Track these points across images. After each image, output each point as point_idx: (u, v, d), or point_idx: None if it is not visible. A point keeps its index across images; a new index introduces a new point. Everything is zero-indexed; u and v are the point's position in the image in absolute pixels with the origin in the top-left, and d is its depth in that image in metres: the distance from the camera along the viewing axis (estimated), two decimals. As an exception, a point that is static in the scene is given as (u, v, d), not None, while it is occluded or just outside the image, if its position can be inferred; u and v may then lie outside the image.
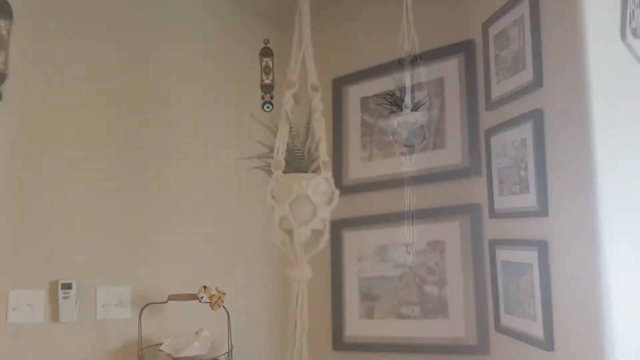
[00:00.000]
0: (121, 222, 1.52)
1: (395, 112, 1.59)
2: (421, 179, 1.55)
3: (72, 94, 1.39)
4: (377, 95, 1.64)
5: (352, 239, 1.64)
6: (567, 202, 1.16)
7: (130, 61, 1.52)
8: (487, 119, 1.43)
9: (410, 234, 1.52)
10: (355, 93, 1.72)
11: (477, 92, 1.50)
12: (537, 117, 1.22)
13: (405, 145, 1.56)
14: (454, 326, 1.44)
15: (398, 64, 1.54)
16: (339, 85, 1.77)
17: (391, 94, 1.60)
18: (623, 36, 1.30)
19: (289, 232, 1.25)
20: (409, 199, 1.46)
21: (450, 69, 1.56)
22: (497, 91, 1.37)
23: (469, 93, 1.51)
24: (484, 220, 1.43)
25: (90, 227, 1.46)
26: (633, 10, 1.59)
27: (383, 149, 1.65)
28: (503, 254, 1.33)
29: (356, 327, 1.61)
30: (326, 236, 1.25)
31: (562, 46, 1.22)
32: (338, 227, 1.66)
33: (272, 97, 1.88)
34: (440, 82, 1.57)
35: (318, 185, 1.24)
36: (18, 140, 1.28)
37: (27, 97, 1.29)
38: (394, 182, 1.60)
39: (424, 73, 1.54)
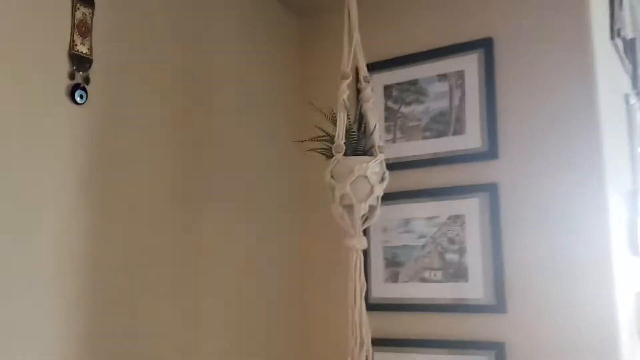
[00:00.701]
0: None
1: (329, 157, 1.42)
2: (443, 160, 1.77)
3: (148, 79, 1.50)
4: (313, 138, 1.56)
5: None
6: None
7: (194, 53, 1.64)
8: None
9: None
10: (378, 80, 1.89)
11: (494, 84, 1.72)
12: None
13: (343, 205, 1.40)
14: (473, 288, 1.68)
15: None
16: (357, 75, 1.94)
17: (327, 133, 1.46)
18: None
19: (349, 207, 1.43)
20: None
21: (470, 62, 1.76)
22: None
23: (488, 85, 1.73)
24: (500, 195, 1.67)
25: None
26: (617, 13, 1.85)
27: (406, 132, 1.84)
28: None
29: (381, 290, 1.82)
30: (378, 211, 1.45)
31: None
32: (363, 201, 1.85)
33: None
34: (461, 74, 1.78)
35: (374, 167, 1.43)
36: (107, 119, 1.39)
37: (111, 81, 1.40)
38: (416, 163, 1.81)
39: (371, 99, 1.47)
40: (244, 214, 1.77)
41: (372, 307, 1.81)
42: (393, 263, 1.80)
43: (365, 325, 1.43)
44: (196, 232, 1.59)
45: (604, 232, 1.56)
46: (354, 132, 1.46)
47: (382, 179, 1.45)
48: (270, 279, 1.86)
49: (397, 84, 1.87)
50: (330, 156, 1.45)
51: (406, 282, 1.77)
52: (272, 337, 1.84)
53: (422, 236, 1.77)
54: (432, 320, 1.72)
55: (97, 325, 1.29)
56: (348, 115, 1.45)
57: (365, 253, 1.85)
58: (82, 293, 1.27)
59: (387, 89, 1.89)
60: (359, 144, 1.46)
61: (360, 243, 1.44)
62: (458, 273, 1.70)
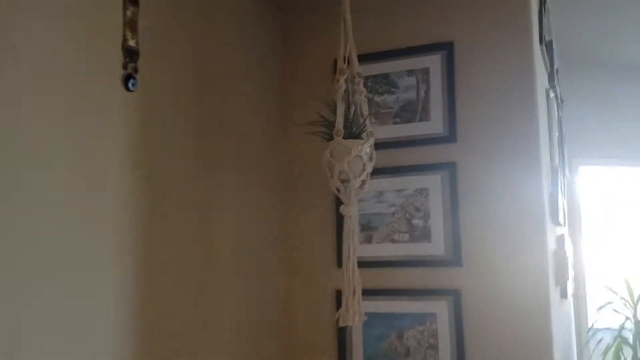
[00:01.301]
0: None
1: (328, 139, 1.69)
2: (411, 142, 2.12)
3: (175, 68, 1.74)
4: (310, 123, 2.00)
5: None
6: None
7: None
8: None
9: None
10: (356, 72, 2.20)
11: (454, 80, 2.08)
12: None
13: (340, 180, 1.67)
14: (435, 247, 2.05)
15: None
16: (339, 65, 2.25)
17: (326, 119, 1.72)
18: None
19: (345, 181, 1.75)
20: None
21: (434, 61, 2.12)
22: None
23: (449, 80, 2.09)
24: (458, 172, 2.05)
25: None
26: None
27: (379, 118, 2.17)
28: (476, 198, 1.95)
29: (358, 250, 2.15)
30: (367, 185, 1.78)
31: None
32: (341, 175, 2.18)
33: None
34: (426, 71, 2.13)
35: (367, 148, 1.75)
36: (151, 103, 1.62)
37: (154, 70, 1.63)
38: (388, 144, 2.15)
39: (364, 93, 1.73)
40: (242, 188, 2.05)
41: (349, 264, 2.15)
42: (368, 227, 2.15)
43: (357, 277, 1.76)
44: (213, 206, 1.87)
45: (539, 202, 1.97)
46: (350, 119, 1.78)
47: (371, 158, 1.78)
48: (260, 246, 2.15)
49: (372, 76, 2.19)
50: (328, 139, 1.76)
51: (379, 243, 2.13)
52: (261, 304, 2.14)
53: (392, 205, 2.12)
54: (401, 274, 2.09)
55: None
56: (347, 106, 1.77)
57: (341, 219, 2.19)
58: (137, 266, 1.52)
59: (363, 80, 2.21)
60: (352, 129, 1.78)
61: (354, 211, 1.77)
62: (422, 235, 2.07)
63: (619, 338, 3.72)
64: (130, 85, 1.53)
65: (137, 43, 1.57)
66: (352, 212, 1.78)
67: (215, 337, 1.84)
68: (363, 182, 1.79)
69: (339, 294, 2.17)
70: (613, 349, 3.69)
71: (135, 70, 1.55)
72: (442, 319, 2.02)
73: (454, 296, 2.01)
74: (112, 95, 1.49)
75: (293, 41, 2.36)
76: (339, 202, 2.17)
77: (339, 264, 2.18)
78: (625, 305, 3.81)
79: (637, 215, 4.23)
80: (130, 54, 1.54)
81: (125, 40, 1.53)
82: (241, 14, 2.12)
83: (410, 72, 2.15)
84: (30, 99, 1.24)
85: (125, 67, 1.53)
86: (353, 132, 1.78)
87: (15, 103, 1.21)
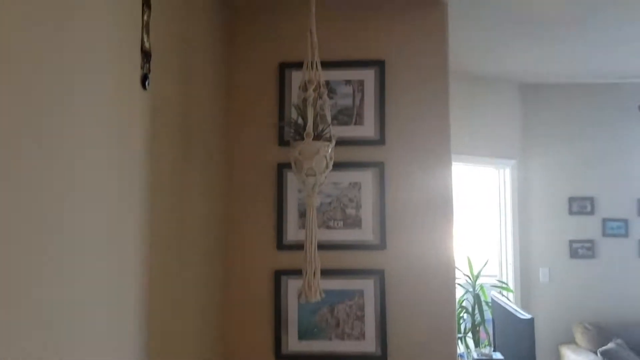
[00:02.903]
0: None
1: (297, 140, 1.98)
2: (347, 142, 2.46)
3: (176, 68, 1.88)
4: (281, 124, 2.39)
5: (294, 179, 2.46)
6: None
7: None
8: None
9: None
10: (298, 77, 2.48)
11: (385, 92, 2.46)
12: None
13: (307, 175, 1.96)
14: (364, 233, 2.43)
15: (301, 90, 2.01)
16: (283, 69, 2.51)
17: (294, 121, 2.01)
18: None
19: (310, 176, 2.04)
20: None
21: (368, 75, 2.47)
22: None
23: (380, 92, 2.46)
24: (386, 170, 2.43)
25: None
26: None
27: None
28: (402, 193, 2.36)
29: (295, 234, 2.45)
30: (325, 179, 2.08)
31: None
32: (282, 168, 2.46)
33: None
34: (362, 83, 2.47)
35: (329, 148, 2.06)
36: (161, 100, 1.76)
37: (162, 70, 1.77)
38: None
39: (328, 102, 2.04)
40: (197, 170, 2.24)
41: (287, 247, 2.45)
42: (305, 215, 2.44)
43: (317, 259, 2.07)
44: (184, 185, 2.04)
45: (448, 191, 2.43)
46: (316, 124, 2.06)
47: (331, 158, 2.09)
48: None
49: (278, 124, 2.47)
50: (297, 139, 2.04)
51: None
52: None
53: (329, 196, 2.45)
54: (334, 256, 2.43)
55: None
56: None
57: (282, 206, 2.47)
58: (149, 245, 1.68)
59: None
60: (317, 131, 2.07)
61: (316, 201, 2.07)
62: (354, 222, 2.43)
63: (460, 307, 4.45)
64: (146, 84, 1.67)
65: (150, 45, 1.71)
66: (314, 203, 2.07)
67: (158, 312, 2.03)
68: (324, 177, 2.10)
69: (277, 274, 2.45)
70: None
71: (149, 70, 1.69)
72: (369, 295, 2.41)
73: (379, 275, 2.40)
74: (134, 94, 1.62)
75: (238, 39, 2.56)
76: (279, 190, 2.47)
77: (278, 246, 2.46)
78: (467, 280, 4.56)
79: (477, 207, 5.03)
80: (146, 55, 1.68)
81: (143, 42, 1.66)
82: (205, 10, 2.28)
83: (347, 82, 2.48)
84: (68, 99, 1.37)
85: (142, 67, 1.66)
86: (317, 134, 2.07)
87: (58, 102, 1.33)
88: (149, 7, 1.69)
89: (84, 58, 1.35)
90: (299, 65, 2.43)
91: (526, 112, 5.24)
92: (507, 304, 3.22)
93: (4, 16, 1.04)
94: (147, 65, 1.68)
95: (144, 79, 1.66)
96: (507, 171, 5.10)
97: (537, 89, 5.24)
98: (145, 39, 1.67)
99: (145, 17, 1.68)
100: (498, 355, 3.11)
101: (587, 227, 5.13)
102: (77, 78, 1.32)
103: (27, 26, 1.11)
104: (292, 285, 2.42)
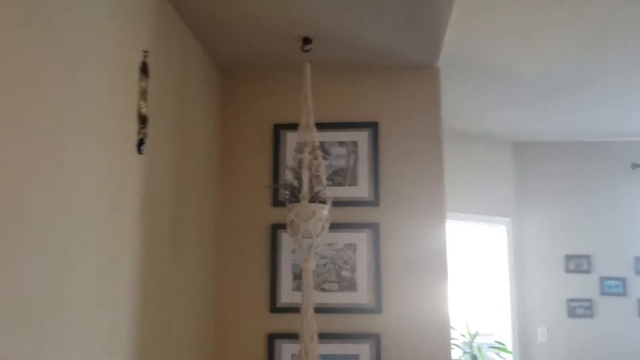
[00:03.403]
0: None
1: (293, 202, 2.01)
2: (341, 203, 2.46)
3: (170, 131, 1.90)
4: (276, 186, 2.42)
5: (288, 239, 2.44)
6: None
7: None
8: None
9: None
10: (293, 138, 2.50)
11: (378, 154, 2.48)
12: (435, 183, 2.27)
13: (303, 237, 1.96)
14: (360, 296, 2.39)
15: (296, 152, 2.08)
16: (277, 130, 2.53)
17: (290, 184, 2.05)
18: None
19: (308, 238, 2.03)
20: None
21: (362, 136, 2.50)
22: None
23: (374, 154, 2.47)
24: (380, 231, 2.42)
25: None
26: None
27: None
28: (397, 255, 2.34)
29: (289, 296, 2.42)
30: (321, 242, 2.07)
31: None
32: (276, 229, 2.44)
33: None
34: (355, 144, 2.50)
35: (326, 211, 2.05)
36: (156, 165, 1.76)
37: (162, 136, 1.78)
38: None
39: (323, 164, 2.08)
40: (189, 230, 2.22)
41: (281, 309, 2.42)
42: (299, 276, 2.42)
43: (314, 323, 2.03)
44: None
45: (442, 251, 2.41)
46: (311, 184, 2.07)
47: (328, 220, 2.08)
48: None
49: (273, 186, 2.48)
50: (293, 201, 2.04)
51: (310, 291, 2.41)
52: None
53: (323, 257, 2.43)
54: (329, 319, 2.38)
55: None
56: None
57: (276, 267, 2.45)
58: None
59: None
60: (311, 194, 2.07)
61: (313, 264, 2.05)
62: (349, 285, 2.41)
63: (458, 367, 4.36)
64: (142, 149, 1.68)
65: (146, 110, 1.72)
66: (311, 267, 2.06)
67: None
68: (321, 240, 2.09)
69: (270, 337, 2.41)
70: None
71: (145, 134, 1.70)
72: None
73: (375, 339, 2.36)
74: (130, 158, 1.63)
75: (232, 101, 2.59)
76: (273, 251, 2.45)
77: (272, 309, 2.42)
78: (464, 341, 4.48)
79: (472, 265, 4.99)
80: (142, 120, 1.69)
81: (139, 108, 1.68)
82: (199, 74, 2.32)
83: (341, 143, 2.51)
84: (65, 162, 1.37)
85: (138, 132, 1.67)
86: (313, 196, 2.08)
87: (60, 156, 1.33)
88: (146, 74, 1.72)
89: (81, 123, 1.36)
90: (293, 126, 2.48)
91: (520, 170, 5.27)
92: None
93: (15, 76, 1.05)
94: (143, 131, 1.70)
95: (140, 143, 1.68)
96: (503, 229, 5.09)
97: (530, 147, 5.29)
98: (142, 105, 1.69)
99: (142, 84, 1.70)
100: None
101: (585, 286, 5.08)
102: (73, 143, 1.33)
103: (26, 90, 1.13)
104: (287, 349, 2.37)
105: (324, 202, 2.07)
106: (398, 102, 2.53)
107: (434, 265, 2.41)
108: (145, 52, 1.72)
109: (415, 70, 2.53)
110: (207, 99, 2.40)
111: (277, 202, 2.48)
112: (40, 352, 1.19)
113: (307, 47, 2.22)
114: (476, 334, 4.51)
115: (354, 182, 2.48)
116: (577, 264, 5.12)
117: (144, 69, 1.71)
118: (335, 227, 2.41)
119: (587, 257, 5.11)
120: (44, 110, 1.20)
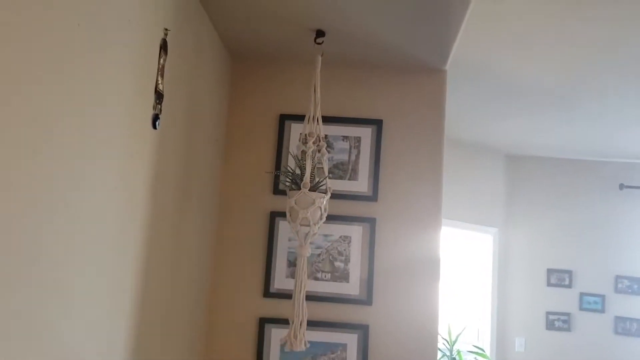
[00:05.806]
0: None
1: (293, 189, 2.05)
2: (342, 196, 2.51)
3: (184, 109, 1.94)
4: (278, 172, 2.49)
5: (285, 227, 2.49)
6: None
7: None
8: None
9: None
10: (297, 129, 2.55)
11: (380, 151, 2.53)
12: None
13: (301, 225, 2.02)
14: (351, 287, 2.45)
15: (301, 142, 2.11)
16: (283, 121, 2.58)
17: (292, 171, 2.10)
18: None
19: (304, 226, 2.08)
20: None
21: (366, 133, 2.55)
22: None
23: (376, 150, 2.53)
24: (377, 226, 2.48)
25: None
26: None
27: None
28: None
29: (283, 283, 2.47)
30: (318, 230, 2.12)
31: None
32: (275, 216, 2.49)
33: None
34: (359, 139, 2.55)
35: (325, 200, 2.11)
36: (168, 140, 1.80)
37: (175, 115, 1.82)
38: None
39: (326, 156, 2.16)
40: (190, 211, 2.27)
41: (274, 294, 2.46)
42: (294, 264, 2.47)
43: (305, 309, 2.08)
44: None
45: (436, 252, 2.48)
46: (312, 175, 2.12)
47: (326, 209, 2.14)
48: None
49: (276, 172, 2.53)
50: (293, 189, 2.09)
51: (303, 279, 2.46)
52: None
53: (319, 247, 2.48)
54: (319, 307, 2.44)
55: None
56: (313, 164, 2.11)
57: (272, 254, 2.50)
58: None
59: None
60: (313, 183, 2.12)
61: (308, 252, 2.11)
62: (342, 276, 2.46)
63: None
64: (157, 124, 1.72)
65: (163, 87, 1.77)
66: (306, 253, 2.11)
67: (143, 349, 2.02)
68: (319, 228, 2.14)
69: (261, 321, 2.45)
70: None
71: (160, 111, 1.75)
72: (351, 349, 2.41)
73: (363, 330, 2.42)
74: (145, 133, 1.67)
75: (241, 88, 2.64)
76: (270, 238, 2.50)
77: (265, 294, 2.47)
78: (445, 344, 4.55)
79: (458, 271, 5.07)
80: (159, 97, 1.74)
81: (157, 84, 1.73)
82: (212, 58, 2.36)
83: (345, 138, 2.56)
84: (89, 139, 1.41)
85: (154, 108, 1.72)
86: (313, 186, 2.13)
87: (80, 134, 1.38)
88: (166, 52, 1.76)
89: (103, 97, 1.41)
90: (299, 117, 2.54)
91: (510, 182, 5.37)
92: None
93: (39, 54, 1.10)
94: (159, 106, 1.74)
95: (155, 119, 1.72)
96: (489, 238, 5.18)
97: (522, 161, 5.39)
98: (159, 81, 1.74)
99: (161, 61, 1.75)
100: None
101: (564, 300, 5.18)
102: (96, 112, 1.37)
103: (54, 67, 1.17)
104: (276, 334, 2.42)
105: (324, 192, 2.12)
106: (404, 102, 2.59)
107: (427, 265, 2.47)
108: (166, 30, 1.76)
109: (423, 72, 2.59)
110: (217, 83, 2.44)
111: (277, 191, 2.53)
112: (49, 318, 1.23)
113: (320, 40, 2.27)
114: (457, 338, 4.58)
115: (354, 177, 2.54)
116: (559, 278, 5.22)
117: (164, 46, 1.75)
118: (332, 218, 2.47)
119: (569, 272, 5.22)
120: (72, 80, 1.25)
